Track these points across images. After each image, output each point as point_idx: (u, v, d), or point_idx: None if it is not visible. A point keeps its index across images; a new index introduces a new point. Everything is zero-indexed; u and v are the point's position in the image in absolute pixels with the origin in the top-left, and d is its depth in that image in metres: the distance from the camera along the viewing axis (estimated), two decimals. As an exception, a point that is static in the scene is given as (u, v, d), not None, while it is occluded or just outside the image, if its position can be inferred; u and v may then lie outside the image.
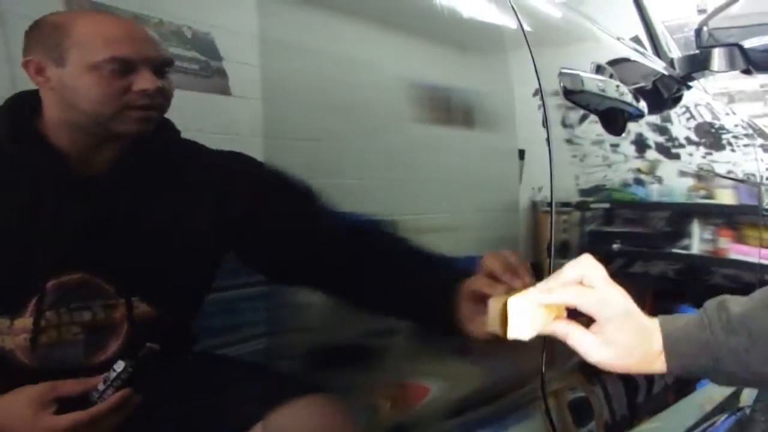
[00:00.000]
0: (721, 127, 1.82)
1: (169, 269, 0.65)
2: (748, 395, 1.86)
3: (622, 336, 0.66)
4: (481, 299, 0.72)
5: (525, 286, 0.70)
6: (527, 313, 0.66)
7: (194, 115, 0.65)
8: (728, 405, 1.75)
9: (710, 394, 1.67)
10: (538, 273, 1.06)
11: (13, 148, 0.60)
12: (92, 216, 0.61)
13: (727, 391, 1.75)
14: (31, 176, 0.60)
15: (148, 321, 0.63)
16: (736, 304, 0.68)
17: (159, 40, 0.65)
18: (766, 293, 0.69)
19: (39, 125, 0.61)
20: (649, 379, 1.40)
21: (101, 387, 0.58)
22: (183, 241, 0.65)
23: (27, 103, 0.60)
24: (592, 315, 0.66)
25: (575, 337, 0.66)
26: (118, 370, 0.58)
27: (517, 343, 1.04)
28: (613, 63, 1.29)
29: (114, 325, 0.61)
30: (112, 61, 0.61)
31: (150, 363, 0.58)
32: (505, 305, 0.67)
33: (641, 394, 1.37)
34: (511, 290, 0.70)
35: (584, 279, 0.67)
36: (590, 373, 1.20)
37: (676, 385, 1.50)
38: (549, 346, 1.06)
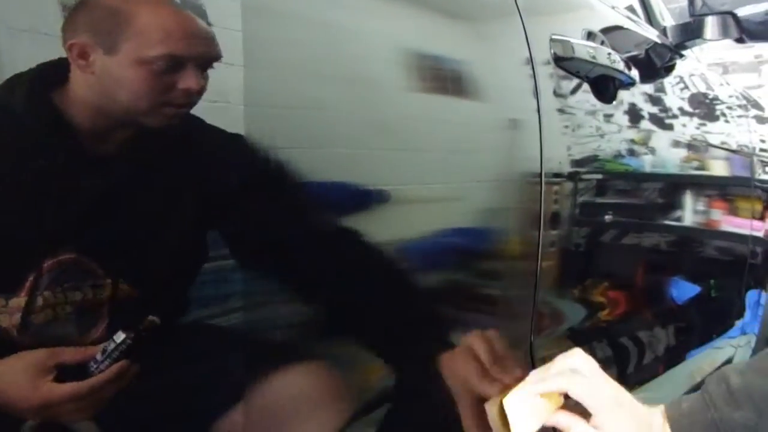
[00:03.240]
0: (715, 98, 1.82)
1: (158, 252, 0.64)
2: (738, 365, 1.87)
3: (620, 428, 0.65)
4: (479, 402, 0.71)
5: (516, 378, 0.70)
6: (526, 409, 0.66)
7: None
8: (718, 375, 1.76)
9: (700, 364, 1.68)
10: (529, 245, 1.07)
11: (25, 119, 0.58)
12: (93, 197, 0.60)
13: (718, 361, 1.77)
14: (40, 150, 0.58)
15: (137, 302, 0.62)
16: (735, 374, 0.68)
17: (212, 34, 0.63)
18: (764, 360, 0.69)
19: (59, 100, 0.59)
20: (640, 348, 1.41)
21: (99, 357, 0.57)
22: (176, 228, 0.64)
23: (50, 76, 0.59)
24: (582, 402, 0.66)
25: (577, 430, 0.66)
26: (118, 341, 0.57)
27: (507, 311, 1.04)
28: (606, 31, 1.28)
29: (102, 305, 0.60)
30: (165, 57, 0.59)
31: (150, 336, 0.58)
32: (502, 406, 0.67)
33: (631, 363, 1.38)
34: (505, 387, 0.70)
35: (576, 369, 0.67)
36: (579, 340, 1.21)
37: (667, 355, 1.51)
38: (538, 313, 1.06)
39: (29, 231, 0.58)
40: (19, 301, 0.58)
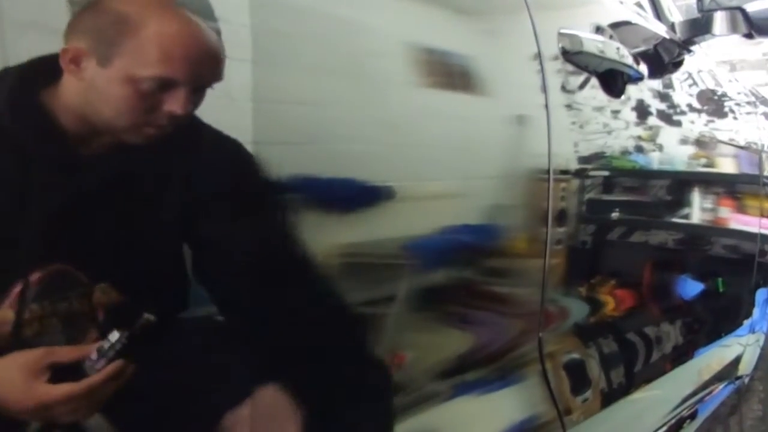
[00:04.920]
0: (724, 95, 1.81)
1: (148, 255, 0.60)
2: (747, 364, 1.87)
3: None
4: None
5: None
6: None
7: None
8: (727, 373, 1.76)
9: (709, 362, 1.67)
10: (536, 241, 1.06)
11: (7, 118, 0.55)
12: (78, 202, 0.57)
13: (726, 359, 1.76)
14: (24, 152, 0.55)
15: (128, 308, 0.58)
16: None
17: (220, 54, 0.59)
18: None
19: (48, 99, 0.56)
20: (648, 345, 1.41)
21: (94, 357, 0.55)
22: (166, 230, 0.61)
23: (41, 72, 0.55)
24: None
25: None
26: (113, 340, 0.56)
27: (515, 307, 1.03)
28: (614, 25, 1.28)
29: (92, 314, 0.57)
30: (157, 79, 0.56)
31: (146, 334, 0.56)
32: None
33: (639, 360, 1.37)
34: None
35: None
36: (587, 337, 1.21)
37: (675, 352, 1.50)
38: (545, 309, 1.06)
39: (13, 240, 0.55)
40: (4, 313, 0.55)
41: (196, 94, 0.58)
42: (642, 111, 1.34)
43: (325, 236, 0.74)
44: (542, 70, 1.05)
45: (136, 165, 0.60)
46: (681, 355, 1.54)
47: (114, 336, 0.56)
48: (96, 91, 0.56)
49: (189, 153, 0.61)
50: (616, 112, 1.25)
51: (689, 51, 1.59)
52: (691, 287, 1.63)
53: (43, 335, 0.57)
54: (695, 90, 1.61)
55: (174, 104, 0.56)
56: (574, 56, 1.10)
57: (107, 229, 0.58)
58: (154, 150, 0.60)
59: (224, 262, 0.63)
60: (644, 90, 1.35)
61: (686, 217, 1.53)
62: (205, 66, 0.58)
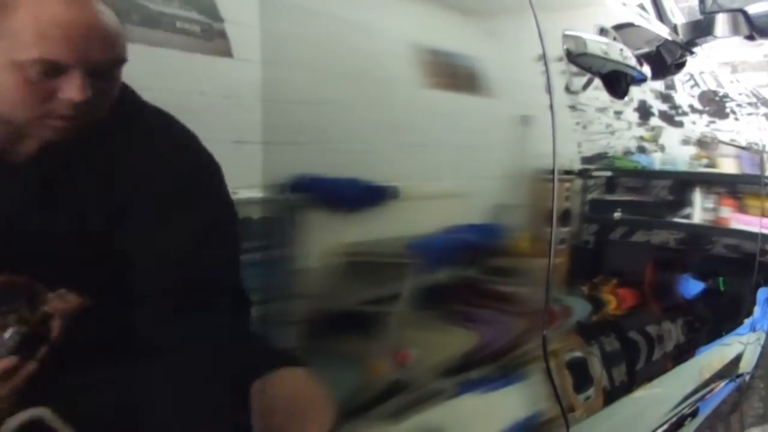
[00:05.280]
0: (725, 96, 1.81)
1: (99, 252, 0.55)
2: (747, 362, 1.88)
3: None
4: None
5: None
6: None
7: (195, 78, 0.64)
8: (728, 371, 1.76)
9: (710, 360, 1.68)
10: (541, 241, 1.07)
11: None
12: (10, 209, 0.53)
13: (727, 357, 1.77)
14: None
15: (82, 311, 0.54)
16: None
17: (114, 33, 0.53)
18: None
19: None
20: (650, 344, 1.41)
21: None
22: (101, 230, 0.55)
23: None
24: None
25: None
26: (5, 337, 0.51)
27: (520, 306, 1.04)
28: (618, 27, 1.29)
29: (45, 321, 0.53)
30: (39, 62, 0.50)
31: (48, 328, 0.52)
32: None
33: (641, 359, 1.38)
34: None
35: None
36: (590, 335, 1.21)
37: (676, 351, 1.51)
38: (549, 307, 1.07)
39: None
40: None
41: (100, 78, 0.52)
42: (645, 112, 1.35)
43: (331, 235, 0.75)
44: (547, 71, 1.06)
45: (56, 164, 0.55)
46: (682, 354, 1.55)
47: (7, 333, 0.52)
48: None
49: (121, 145, 0.56)
50: (619, 113, 1.25)
51: (691, 52, 1.59)
52: (692, 286, 1.64)
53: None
54: (697, 91, 1.62)
55: (70, 91, 0.51)
56: (578, 57, 1.11)
57: (34, 235, 0.54)
58: (76, 146, 0.54)
59: (160, 264, 0.58)
60: (647, 91, 1.36)
61: (688, 216, 1.53)
62: (95, 45, 0.52)
